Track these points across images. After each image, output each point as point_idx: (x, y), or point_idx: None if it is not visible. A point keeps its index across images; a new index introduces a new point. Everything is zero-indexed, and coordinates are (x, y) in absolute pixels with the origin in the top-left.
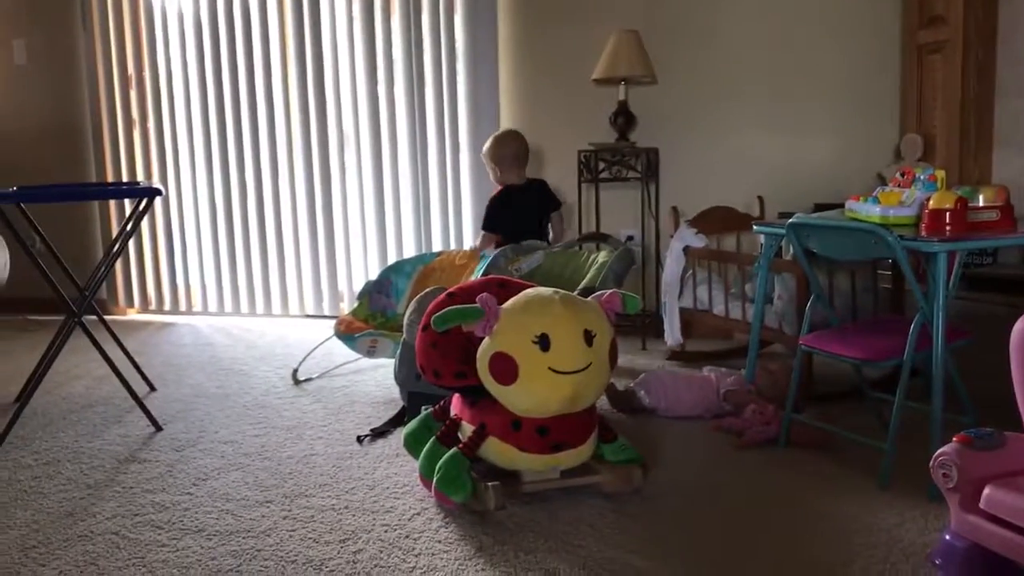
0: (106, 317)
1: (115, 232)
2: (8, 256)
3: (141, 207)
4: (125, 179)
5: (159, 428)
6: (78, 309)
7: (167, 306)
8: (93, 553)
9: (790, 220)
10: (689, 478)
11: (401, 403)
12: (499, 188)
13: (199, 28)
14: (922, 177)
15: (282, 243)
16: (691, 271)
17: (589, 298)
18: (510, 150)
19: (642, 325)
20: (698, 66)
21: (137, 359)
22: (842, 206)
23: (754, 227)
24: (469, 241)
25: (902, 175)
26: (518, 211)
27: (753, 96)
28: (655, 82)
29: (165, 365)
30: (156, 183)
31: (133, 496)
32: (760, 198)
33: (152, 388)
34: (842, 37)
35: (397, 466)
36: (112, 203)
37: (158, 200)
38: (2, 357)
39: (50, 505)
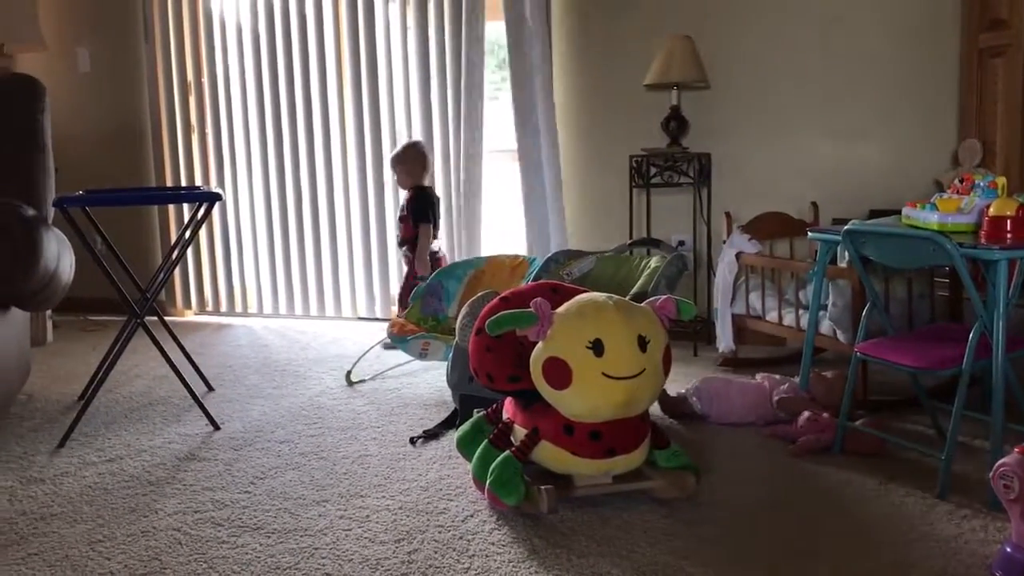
0: (164, 318)
1: (173, 234)
2: (73, 258)
3: (202, 212)
4: (183, 183)
5: (217, 427)
6: (140, 310)
7: (223, 308)
8: (156, 548)
9: (846, 227)
10: (742, 485)
11: (453, 405)
12: (413, 189)
13: (256, 36)
14: (982, 184)
15: (336, 246)
16: (744, 277)
17: (643, 303)
18: (424, 157)
19: (694, 331)
20: (752, 70)
21: (195, 359)
22: (898, 212)
23: (809, 234)
24: (521, 247)
25: (961, 181)
26: (435, 207)
27: (808, 100)
28: (708, 87)
29: (222, 366)
30: (213, 187)
31: (193, 494)
32: (814, 204)
33: (210, 388)
34: (900, 39)
35: (450, 468)
36: (171, 206)
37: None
38: (65, 357)
39: (114, 501)
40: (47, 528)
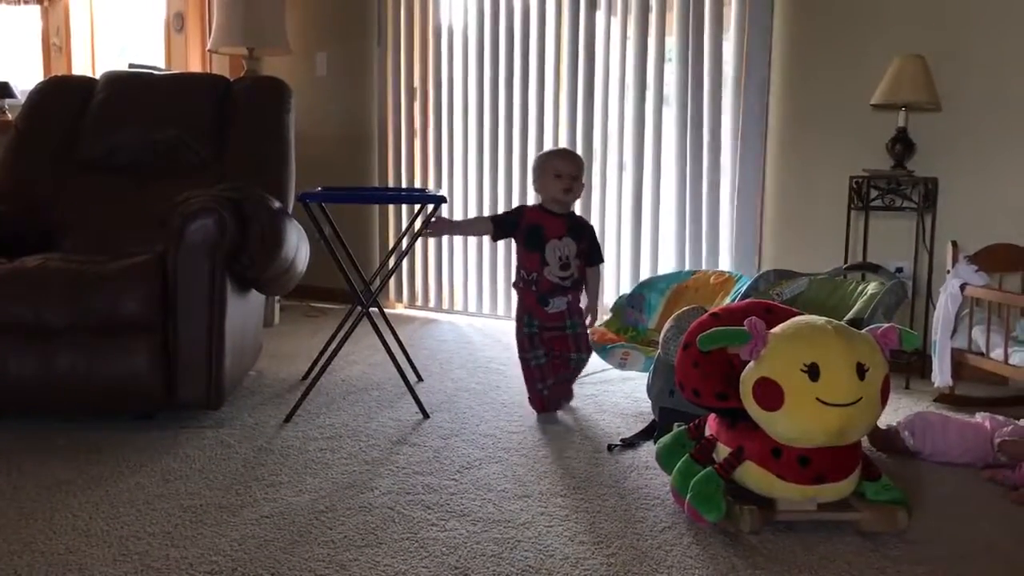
0: (383, 310)
1: (391, 232)
2: (308, 248)
3: (428, 212)
4: (403, 184)
5: (427, 415)
6: (366, 301)
7: (431, 303)
8: (372, 524)
9: None
10: (955, 527)
11: (650, 416)
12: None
13: (481, 45)
14: None
15: None
16: (968, 310)
17: (863, 330)
18: None
19: (907, 363)
20: (988, 92)
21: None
22: None
23: None
24: (726, 262)
25: None
26: None
27: None
28: (939, 109)
29: (430, 358)
30: (431, 189)
31: (405, 476)
32: None
33: (419, 378)
34: None
35: (647, 478)
36: (390, 206)
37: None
38: (289, 338)
39: (335, 475)
40: (276, 495)
